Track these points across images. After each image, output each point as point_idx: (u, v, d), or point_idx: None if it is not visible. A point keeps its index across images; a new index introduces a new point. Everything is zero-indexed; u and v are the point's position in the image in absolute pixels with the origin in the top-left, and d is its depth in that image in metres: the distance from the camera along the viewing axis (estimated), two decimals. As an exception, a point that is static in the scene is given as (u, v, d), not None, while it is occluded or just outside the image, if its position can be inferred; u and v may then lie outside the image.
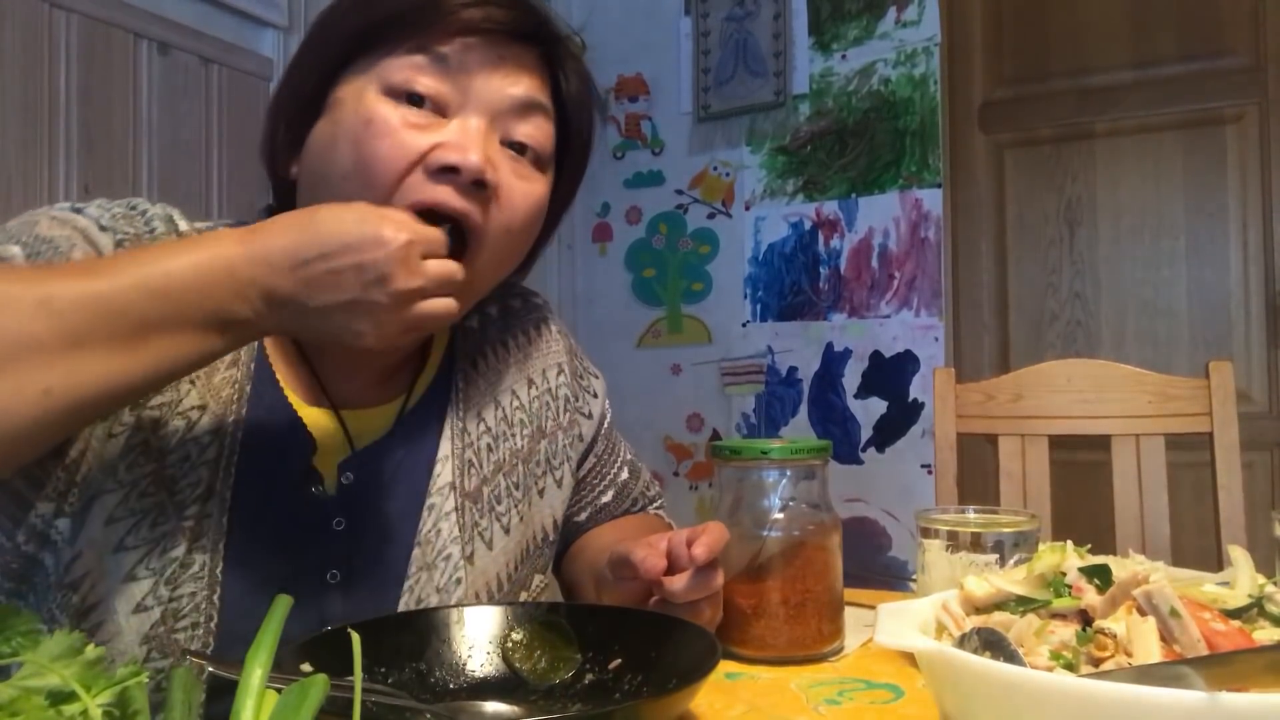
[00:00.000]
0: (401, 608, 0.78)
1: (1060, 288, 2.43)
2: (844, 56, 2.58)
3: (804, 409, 2.61)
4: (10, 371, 0.52)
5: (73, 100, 1.60)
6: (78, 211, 0.70)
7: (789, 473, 0.80)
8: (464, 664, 0.70)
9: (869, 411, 2.53)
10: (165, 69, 1.77)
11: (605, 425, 0.99)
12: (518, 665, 0.70)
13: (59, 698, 0.36)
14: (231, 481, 0.72)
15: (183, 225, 0.75)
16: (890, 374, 2.51)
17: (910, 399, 2.48)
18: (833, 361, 2.58)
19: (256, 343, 0.76)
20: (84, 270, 0.58)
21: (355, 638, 0.40)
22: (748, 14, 2.69)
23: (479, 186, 0.70)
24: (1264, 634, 0.51)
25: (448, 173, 0.69)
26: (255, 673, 0.37)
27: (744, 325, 2.71)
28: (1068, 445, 1.42)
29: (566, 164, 0.82)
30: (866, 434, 2.53)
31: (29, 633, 0.39)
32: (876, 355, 2.53)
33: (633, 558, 0.74)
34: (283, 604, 0.43)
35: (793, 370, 2.63)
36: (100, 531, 0.68)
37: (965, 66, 2.52)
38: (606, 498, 0.99)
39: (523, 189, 0.75)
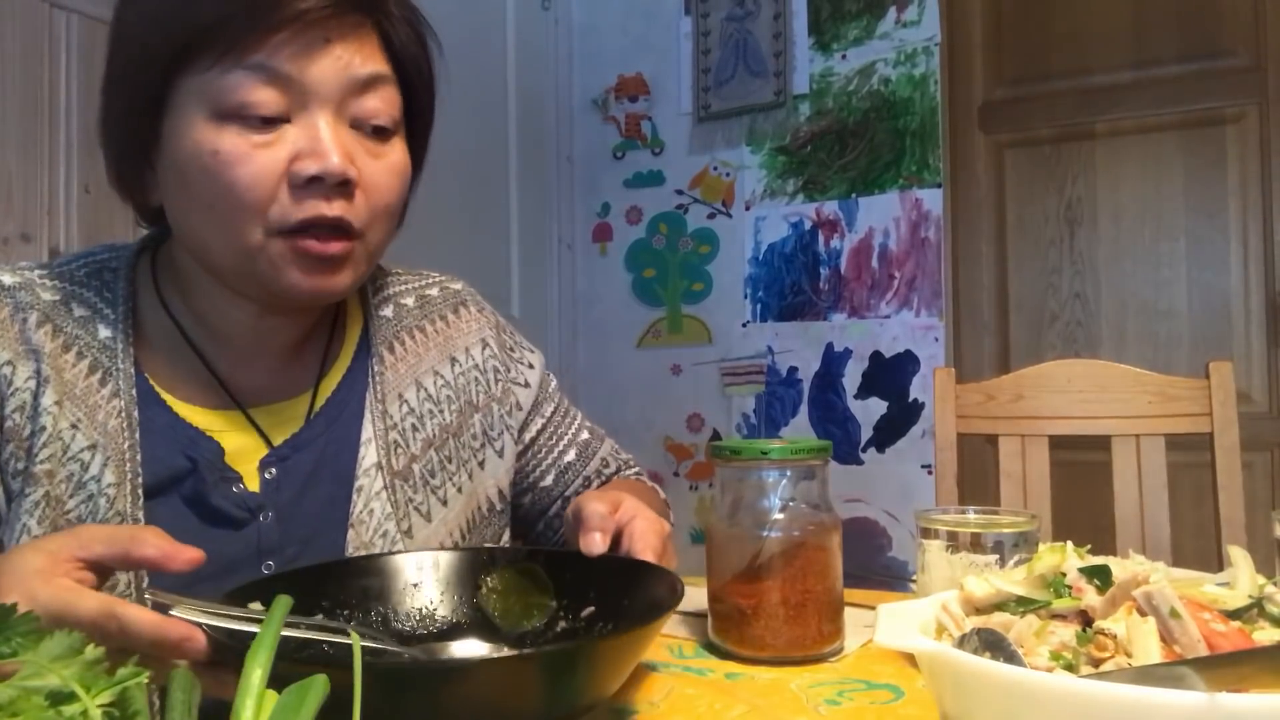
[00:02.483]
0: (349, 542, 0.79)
1: (1060, 288, 2.43)
2: (844, 56, 2.58)
3: (804, 409, 2.61)
4: None
5: (73, 100, 1.60)
6: None
7: (789, 473, 0.80)
8: (434, 609, 0.70)
9: (869, 411, 2.53)
10: (165, 69, 1.77)
11: (549, 390, 1.01)
12: (491, 610, 0.70)
13: (59, 698, 0.36)
14: (141, 503, 0.73)
15: (5, 279, 0.75)
16: (890, 374, 2.51)
17: (910, 399, 2.48)
18: (833, 361, 2.58)
19: (133, 369, 0.76)
20: None
21: (355, 639, 0.40)
22: (748, 14, 2.69)
23: (343, 185, 0.70)
24: (1264, 634, 0.51)
25: (313, 183, 0.69)
26: (255, 673, 0.37)
27: (744, 325, 2.70)
28: (1068, 445, 1.42)
29: (415, 109, 0.80)
30: (866, 434, 2.53)
31: (29, 633, 0.39)
32: (876, 355, 2.53)
33: (580, 536, 0.73)
34: (282, 604, 0.43)
35: (793, 370, 2.63)
36: None
37: (965, 66, 2.52)
38: (569, 456, 1.00)
39: (383, 167, 0.74)
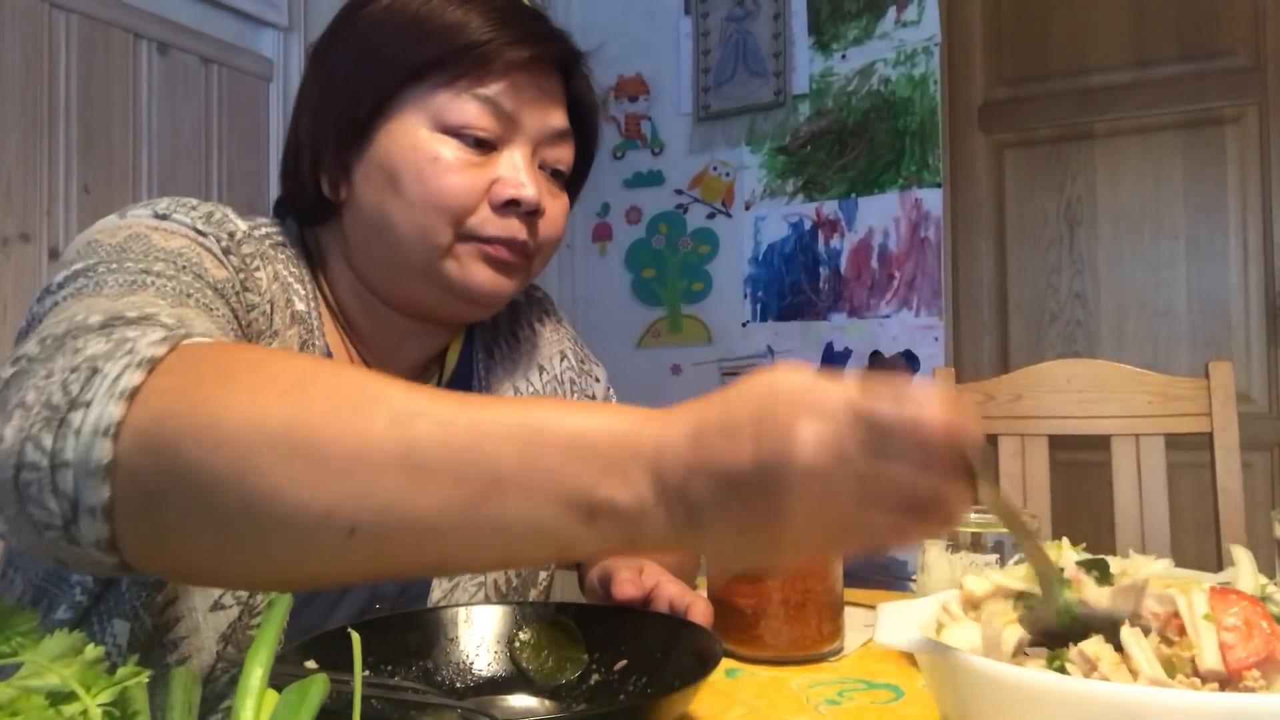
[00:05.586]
0: (435, 582, 0.81)
1: (1060, 288, 2.43)
2: (844, 56, 2.58)
3: (804, 409, 2.61)
4: (329, 490, 0.42)
5: (73, 100, 1.60)
6: (162, 217, 0.70)
7: (789, 473, 0.80)
8: (470, 663, 0.71)
9: (869, 411, 2.53)
10: (165, 69, 1.77)
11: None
12: (525, 664, 0.71)
13: (59, 698, 0.36)
14: None
15: (242, 225, 0.75)
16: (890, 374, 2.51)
17: (910, 399, 2.48)
18: (833, 361, 2.58)
19: (327, 350, 0.78)
20: (448, 401, 0.45)
21: (355, 638, 0.40)
22: (748, 14, 2.68)
23: (532, 213, 0.79)
24: (1264, 634, 0.51)
25: (511, 205, 0.77)
26: (255, 673, 0.37)
27: (744, 325, 2.70)
28: (1068, 445, 1.42)
29: (576, 171, 0.88)
30: (866, 434, 2.53)
31: (29, 633, 0.39)
32: (877, 355, 2.53)
33: (612, 586, 0.79)
34: (282, 604, 0.43)
35: (793, 370, 2.63)
36: None
37: (965, 66, 2.52)
38: None
39: (557, 206, 0.83)
